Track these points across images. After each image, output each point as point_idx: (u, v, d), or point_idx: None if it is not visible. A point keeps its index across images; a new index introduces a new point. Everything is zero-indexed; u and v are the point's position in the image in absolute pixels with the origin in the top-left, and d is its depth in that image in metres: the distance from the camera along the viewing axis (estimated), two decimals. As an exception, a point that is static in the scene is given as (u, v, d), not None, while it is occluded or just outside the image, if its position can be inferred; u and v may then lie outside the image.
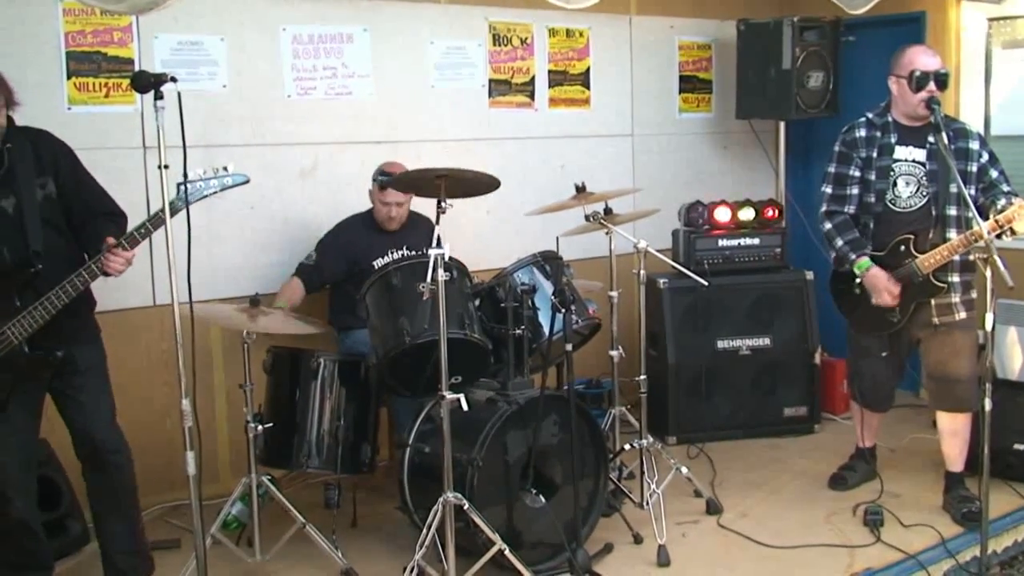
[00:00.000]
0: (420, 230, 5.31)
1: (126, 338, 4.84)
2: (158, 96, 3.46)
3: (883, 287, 4.67)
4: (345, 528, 4.75)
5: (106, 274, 3.71)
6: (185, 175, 3.62)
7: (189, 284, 3.52)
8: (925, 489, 5.10)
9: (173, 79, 3.49)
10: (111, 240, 3.68)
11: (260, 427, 4.32)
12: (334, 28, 5.55)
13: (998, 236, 4.27)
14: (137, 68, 4.89)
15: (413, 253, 5.15)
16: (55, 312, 3.65)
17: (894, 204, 4.75)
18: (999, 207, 4.38)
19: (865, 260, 4.73)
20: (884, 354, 4.92)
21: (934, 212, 4.69)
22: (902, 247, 4.66)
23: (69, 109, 4.83)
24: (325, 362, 4.52)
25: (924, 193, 4.71)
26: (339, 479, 4.66)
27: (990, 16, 6.13)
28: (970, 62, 6.31)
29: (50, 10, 4.76)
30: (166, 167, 3.46)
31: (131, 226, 3.81)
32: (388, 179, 4.93)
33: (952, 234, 4.63)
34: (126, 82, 4.77)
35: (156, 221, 3.67)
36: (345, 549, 4.41)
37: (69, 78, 4.82)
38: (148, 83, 3.49)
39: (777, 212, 6.30)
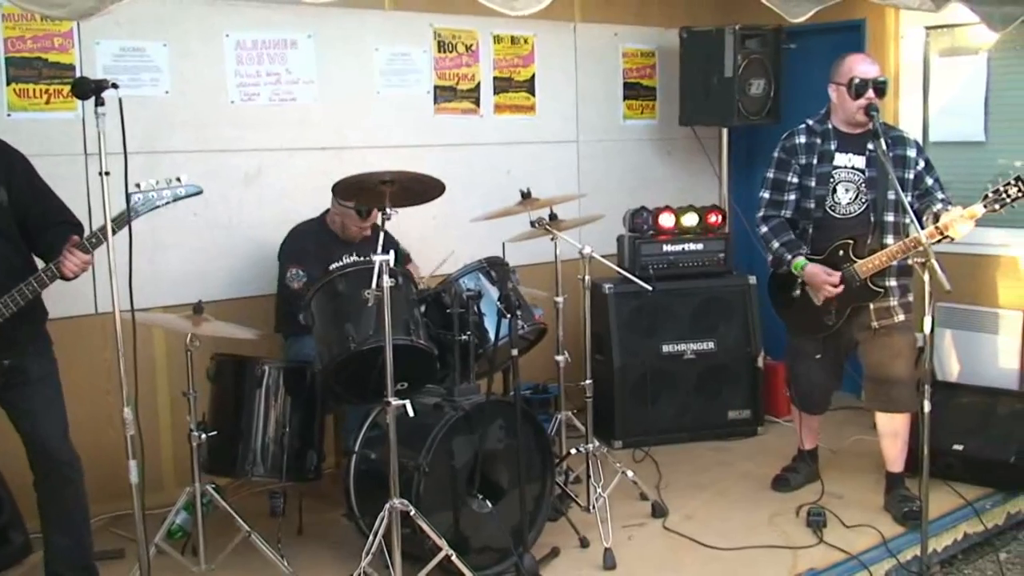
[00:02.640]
0: (374, 237, 5.26)
1: (68, 346, 4.73)
2: (99, 102, 3.45)
3: (822, 281, 4.73)
4: (291, 536, 4.72)
5: (62, 276, 3.66)
6: (127, 183, 3.59)
7: (131, 291, 3.50)
8: (867, 490, 5.17)
9: (114, 85, 3.48)
10: (75, 238, 3.65)
11: (204, 435, 4.26)
12: (278, 34, 5.52)
13: (937, 242, 4.35)
14: (78, 74, 4.84)
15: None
16: (1, 321, 3.60)
17: (833, 210, 4.81)
18: (935, 211, 4.47)
19: (801, 259, 4.79)
20: (818, 356, 4.98)
21: (872, 218, 4.75)
22: (840, 252, 4.72)
23: (9, 115, 4.76)
24: (270, 369, 4.49)
25: (863, 200, 4.78)
26: (285, 487, 4.64)
27: (928, 25, 6.23)
28: (909, 69, 6.41)
29: (-11, 15, 4.71)
30: (107, 174, 3.43)
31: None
32: (358, 205, 4.87)
33: (889, 240, 4.70)
34: (67, 88, 4.72)
35: (105, 231, 3.59)
36: (291, 557, 4.39)
37: (9, 84, 4.76)
38: (89, 89, 3.48)
39: (720, 217, 6.36)
